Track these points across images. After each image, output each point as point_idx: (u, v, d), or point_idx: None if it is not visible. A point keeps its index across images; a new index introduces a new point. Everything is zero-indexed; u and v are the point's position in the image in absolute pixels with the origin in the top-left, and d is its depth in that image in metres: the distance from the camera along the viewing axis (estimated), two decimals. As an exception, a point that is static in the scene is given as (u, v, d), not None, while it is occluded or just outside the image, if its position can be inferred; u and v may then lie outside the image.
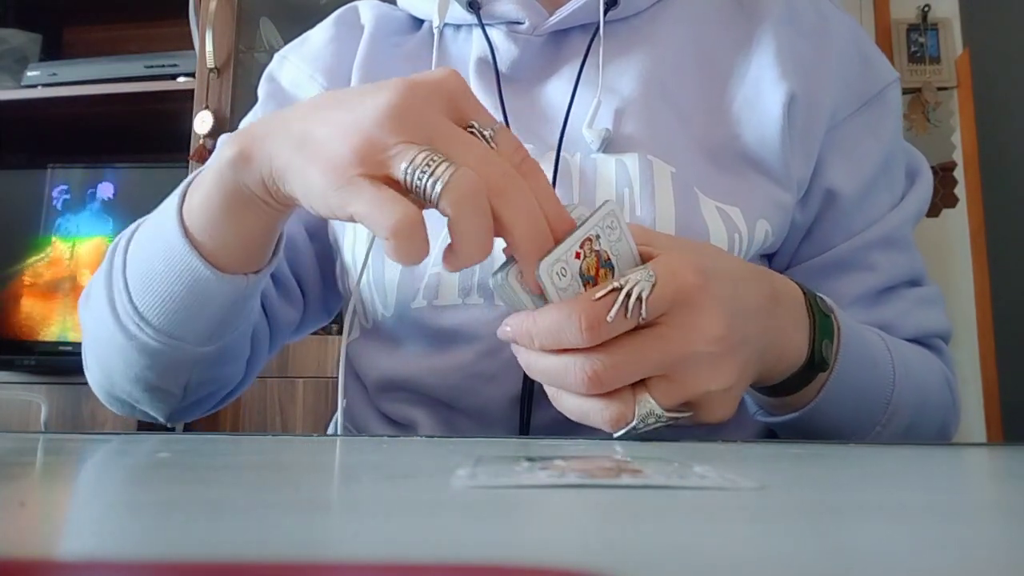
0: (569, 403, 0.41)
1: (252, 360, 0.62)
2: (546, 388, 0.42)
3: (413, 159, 0.36)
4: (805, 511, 0.21)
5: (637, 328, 0.39)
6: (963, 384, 1.89)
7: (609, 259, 0.40)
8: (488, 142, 0.38)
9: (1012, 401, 1.87)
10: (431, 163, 0.36)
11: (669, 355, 0.39)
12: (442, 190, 0.35)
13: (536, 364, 0.40)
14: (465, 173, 0.36)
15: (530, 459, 0.29)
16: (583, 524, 0.19)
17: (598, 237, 0.39)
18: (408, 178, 0.36)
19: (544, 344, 0.39)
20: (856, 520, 0.20)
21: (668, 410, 0.40)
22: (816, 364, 0.47)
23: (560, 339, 0.38)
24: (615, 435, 0.40)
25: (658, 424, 0.40)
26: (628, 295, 0.37)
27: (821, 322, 0.47)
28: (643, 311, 0.37)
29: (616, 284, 0.37)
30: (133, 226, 0.55)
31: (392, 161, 0.37)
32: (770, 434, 0.60)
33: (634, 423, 0.39)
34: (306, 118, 0.40)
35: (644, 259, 0.41)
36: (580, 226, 0.39)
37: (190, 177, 0.50)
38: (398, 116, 0.37)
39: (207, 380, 0.56)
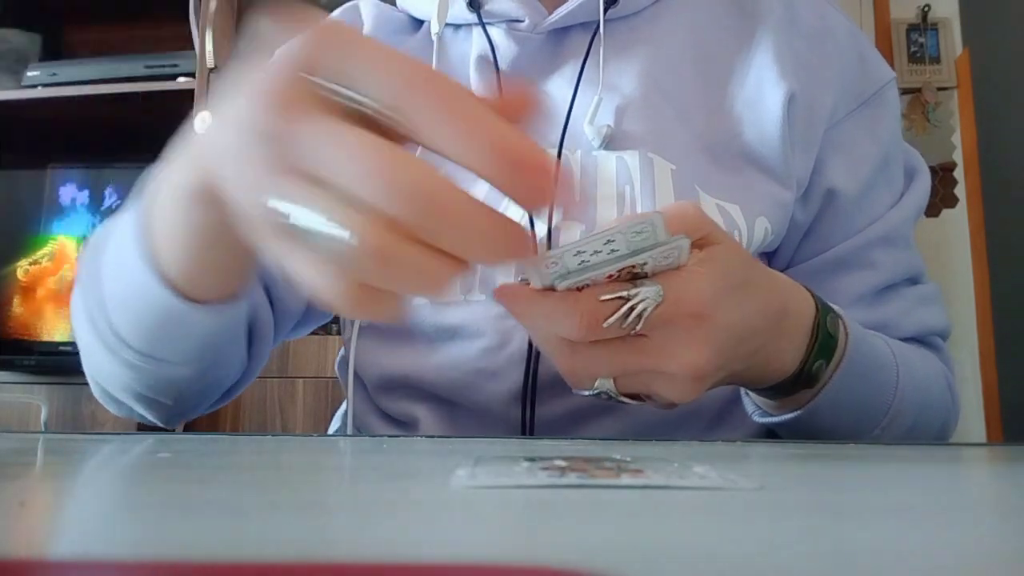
0: (545, 346, 0.42)
1: (255, 352, 0.59)
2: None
3: (298, 219, 0.27)
4: (805, 511, 0.21)
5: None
6: (963, 384, 1.89)
7: (645, 269, 0.38)
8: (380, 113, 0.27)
9: (1012, 401, 1.87)
10: (317, 224, 0.26)
11: (641, 366, 0.40)
12: (350, 263, 0.26)
13: (524, 322, 0.41)
14: (364, 234, 0.26)
15: (530, 459, 0.29)
16: (583, 524, 0.19)
17: (644, 264, 0.37)
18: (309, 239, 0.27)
19: (533, 326, 0.40)
20: (856, 520, 0.20)
21: (623, 394, 0.42)
22: (802, 381, 0.48)
23: (554, 326, 0.39)
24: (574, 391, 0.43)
25: (608, 399, 0.42)
26: (631, 308, 0.37)
27: (823, 343, 0.47)
28: (638, 326, 0.38)
29: (624, 294, 0.37)
30: (101, 233, 0.51)
31: (287, 217, 0.27)
32: (770, 434, 0.60)
33: (587, 392, 0.42)
34: (214, 147, 0.32)
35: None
36: (632, 253, 0.36)
37: (140, 193, 0.44)
38: (254, 140, 0.28)
39: (200, 389, 0.55)
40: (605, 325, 0.37)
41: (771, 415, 0.53)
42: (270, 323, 0.60)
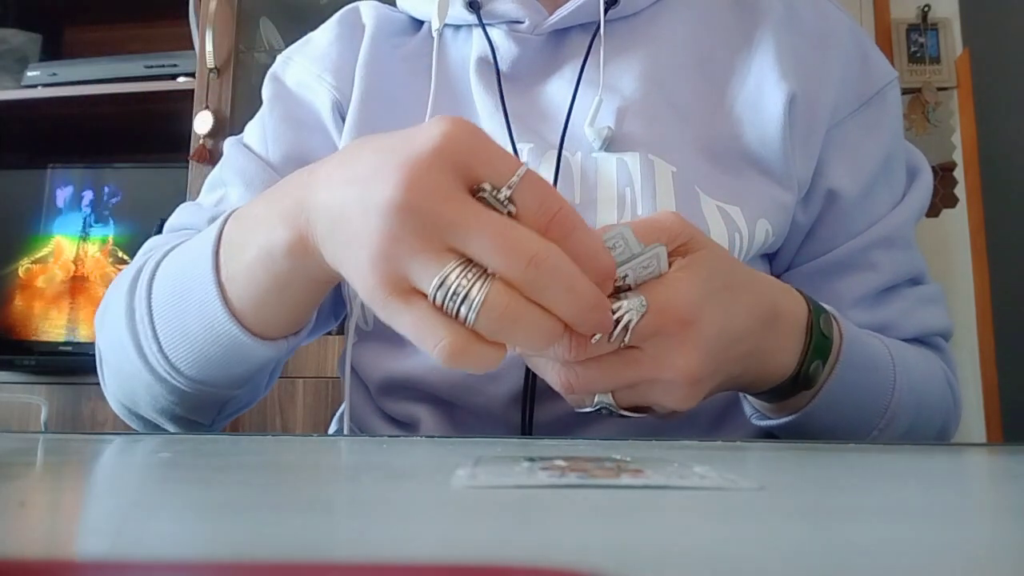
0: (540, 370, 0.43)
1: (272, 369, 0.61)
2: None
3: (442, 283, 0.33)
4: (805, 511, 0.21)
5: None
6: (963, 384, 1.89)
7: (627, 282, 0.40)
8: (506, 205, 0.34)
9: (1012, 401, 1.87)
10: (460, 287, 0.33)
11: (637, 378, 0.41)
12: (476, 318, 0.33)
13: (521, 348, 0.41)
14: (496, 295, 0.33)
15: (530, 459, 0.29)
16: (583, 524, 0.19)
17: (625, 277, 0.39)
18: (441, 304, 0.33)
19: (529, 347, 0.40)
20: (856, 520, 0.20)
21: (622, 408, 0.43)
22: (801, 383, 0.48)
23: (547, 347, 0.39)
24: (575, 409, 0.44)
25: (610, 414, 0.43)
26: (617, 322, 0.38)
27: (818, 343, 0.47)
28: (626, 338, 0.39)
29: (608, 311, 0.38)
30: (150, 263, 0.52)
31: (419, 281, 0.34)
32: (770, 435, 0.60)
33: (588, 408, 0.43)
34: (332, 204, 0.37)
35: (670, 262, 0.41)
36: (620, 264, 0.39)
37: (220, 226, 0.47)
38: (408, 219, 0.33)
39: (236, 408, 0.56)
40: (593, 342, 0.38)
41: (770, 418, 0.53)
42: None
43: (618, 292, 0.39)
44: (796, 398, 0.49)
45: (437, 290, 0.33)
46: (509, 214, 0.34)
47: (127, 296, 0.51)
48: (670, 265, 0.40)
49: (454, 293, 0.33)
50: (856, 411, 0.51)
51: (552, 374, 0.41)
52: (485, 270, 0.33)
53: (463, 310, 0.33)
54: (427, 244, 0.33)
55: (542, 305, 0.34)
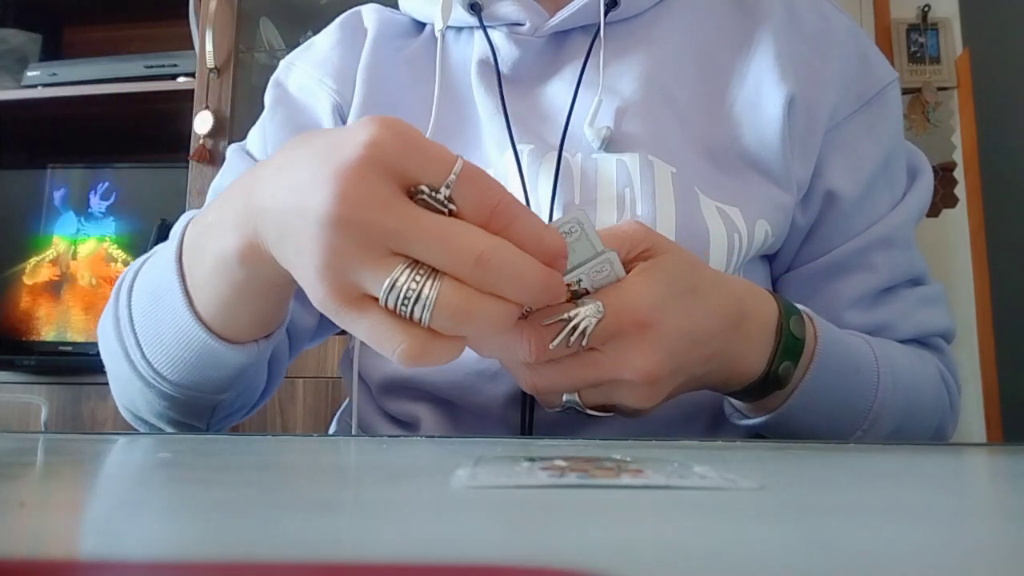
0: (511, 371, 0.44)
1: (274, 370, 0.61)
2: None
3: (392, 287, 0.33)
4: (805, 511, 0.21)
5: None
6: (963, 384, 1.89)
7: (582, 286, 0.41)
8: (446, 204, 0.34)
9: (1012, 401, 1.87)
10: (411, 290, 0.33)
11: (598, 378, 0.41)
12: (431, 318, 0.33)
13: (482, 352, 0.42)
14: (448, 293, 0.33)
15: (530, 459, 0.29)
16: (583, 524, 0.19)
17: (579, 282, 0.40)
18: (394, 307, 0.33)
19: (491, 352, 0.42)
20: (856, 520, 0.20)
21: (588, 407, 0.44)
22: (771, 383, 0.48)
23: (508, 352, 0.40)
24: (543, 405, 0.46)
25: (577, 413, 0.45)
26: (574, 328, 0.39)
27: (788, 344, 0.47)
28: (583, 342, 0.40)
29: (565, 316, 0.39)
30: (134, 268, 0.54)
31: (369, 288, 0.34)
32: (761, 435, 0.60)
33: (557, 408, 0.44)
34: (275, 212, 0.37)
35: (628, 269, 0.42)
36: (571, 269, 0.40)
37: (180, 233, 0.48)
38: (347, 232, 0.33)
39: (228, 413, 0.57)
40: (552, 347, 0.39)
41: (748, 418, 0.53)
42: (286, 344, 0.63)
43: (575, 297, 0.40)
44: (770, 398, 0.50)
45: (388, 294, 0.33)
46: (450, 212, 0.34)
47: (114, 304, 0.53)
48: (628, 271, 0.42)
49: (405, 296, 0.33)
50: (837, 411, 0.51)
51: (520, 375, 0.42)
52: (434, 268, 0.33)
53: (417, 311, 0.33)
54: (370, 253, 0.33)
55: (496, 294, 0.34)
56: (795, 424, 0.50)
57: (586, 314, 0.39)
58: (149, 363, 0.50)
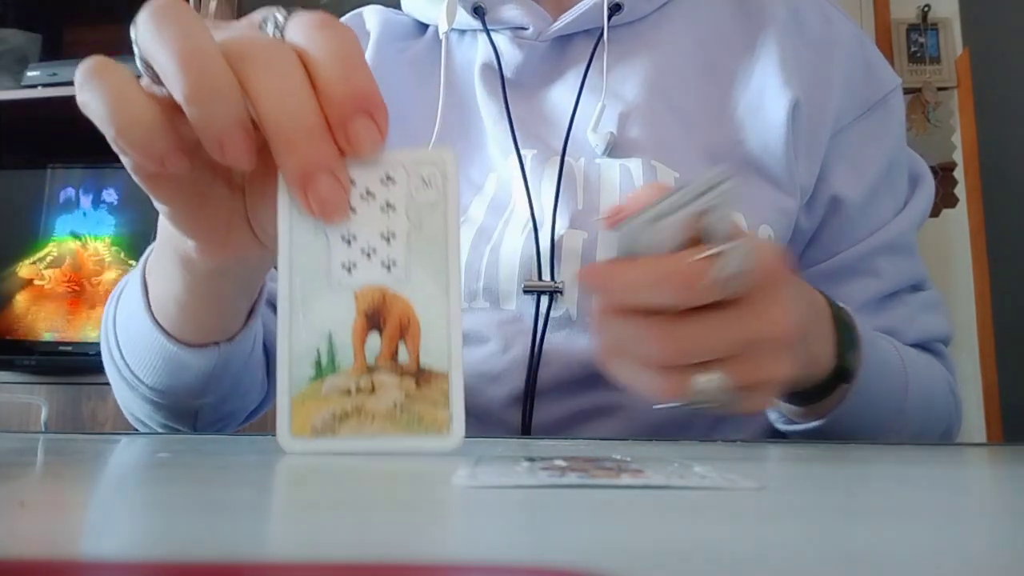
0: (624, 371, 0.38)
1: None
2: (600, 350, 0.39)
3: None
4: (805, 511, 0.21)
5: (710, 307, 0.36)
6: (963, 384, 1.89)
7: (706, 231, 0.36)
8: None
9: (1012, 401, 1.87)
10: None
11: (743, 337, 0.36)
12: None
13: (609, 325, 0.37)
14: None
15: (530, 459, 0.29)
16: (583, 524, 0.19)
17: (705, 212, 0.35)
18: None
19: (627, 298, 0.36)
20: (856, 520, 0.20)
21: (724, 393, 0.37)
22: (840, 375, 0.47)
23: (648, 295, 0.35)
24: (656, 407, 0.38)
25: (704, 406, 0.37)
26: (724, 266, 0.34)
27: (845, 334, 0.47)
28: (733, 285, 0.35)
29: (716, 250, 0.34)
30: (123, 280, 0.55)
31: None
32: (772, 434, 0.60)
33: (686, 401, 0.37)
34: None
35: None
36: (695, 197, 0.35)
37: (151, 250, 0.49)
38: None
39: (217, 418, 0.57)
40: (707, 282, 0.34)
41: (795, 423, 0.52)
42: None
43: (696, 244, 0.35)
44: (822, 403, 0.49)
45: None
46: None
47: (109, 306, 0.55)
48: None
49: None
50: (877, 413, 0.51)
51: (647, 346, 0.36)
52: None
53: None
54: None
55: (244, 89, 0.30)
56: (839, 430, 0.50)
57: (737, 252, 0.34)
58: (128, 366, 0.51)
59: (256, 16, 0.33)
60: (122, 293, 0.53)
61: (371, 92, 0.30)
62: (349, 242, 0.32)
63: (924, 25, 2.05)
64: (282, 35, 0.31)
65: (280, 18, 0.32)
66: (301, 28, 0.31)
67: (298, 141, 0.29)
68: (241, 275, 0.43)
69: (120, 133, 0.31)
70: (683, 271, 0.34)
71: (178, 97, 0.29)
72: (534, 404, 0.55)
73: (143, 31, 0.31)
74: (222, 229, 0.37)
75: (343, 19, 0.70)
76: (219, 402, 0.54)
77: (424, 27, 0.69)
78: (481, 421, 0.57)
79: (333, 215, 0.31)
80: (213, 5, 1.74)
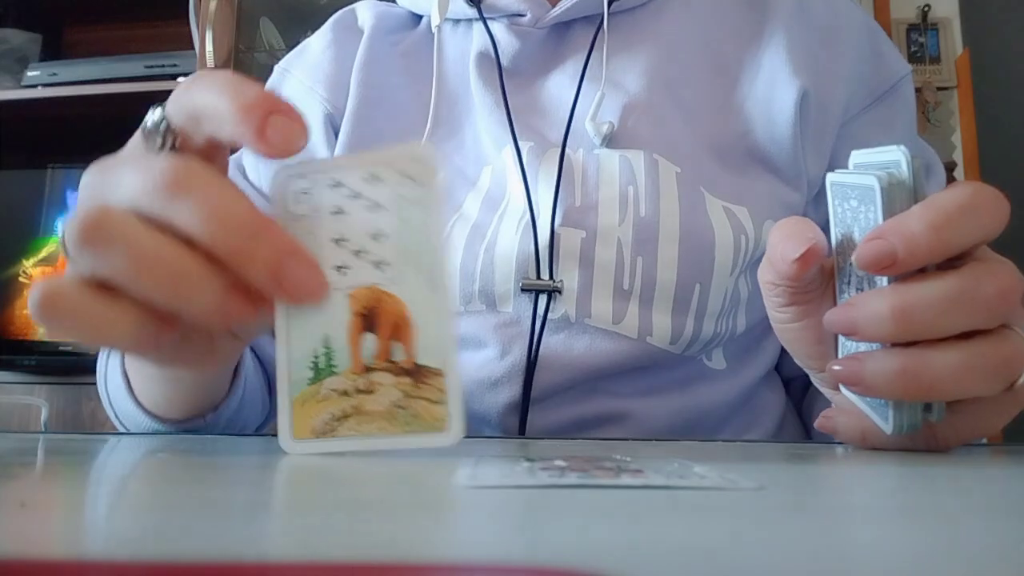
0: (850, 421, 0.36)
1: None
2: (833, 400, 0.37)
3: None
4: (805, 511, 0.21)
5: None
6: (963, 384, 1.87)
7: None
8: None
9: (1012, 401, 1.87)
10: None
11: (961, 291, 0.32)
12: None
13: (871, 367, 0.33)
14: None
15: (530, 459, 0.29)
16: (583, 524, 0.19)
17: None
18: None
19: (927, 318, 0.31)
20: (856, 520, 0.20)
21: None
22: None
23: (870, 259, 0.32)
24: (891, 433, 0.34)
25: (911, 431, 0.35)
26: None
27: None
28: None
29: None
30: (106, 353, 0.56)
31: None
32: (773, 434, 0.60)
33: (904, 427, 0.34)
34: None
35: None
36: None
37: None
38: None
39: (227, 430, 0.56)
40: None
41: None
42: None
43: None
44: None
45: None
46: None
47: (98, 366, 0.56)
48: None
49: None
50: None
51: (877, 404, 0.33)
52: None
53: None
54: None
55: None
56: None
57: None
58: (127, 428, 0.51)
59: (143, 131, 0.34)
60: (107, 370, 0.53)
61: (266, 98, 0.29)
62: (340, 244, 0.32)
63: (924, 25, 2.05)
64: (173, 143, 0.32)
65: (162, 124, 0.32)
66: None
67: (249, 247, 0.29)
68: (226, 366, 0.45)
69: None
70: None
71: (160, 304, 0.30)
72: (530, 410, 0.54)
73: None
74: (207, 352, 0.36)
75: (335, 17, 0.69)
76: (225, 427, 0.54)
77: (419, 18, 0.67)
78: (479, 427, 0.56)
79: (315, 296, 0.31)
80: (213, 5, 1.74)
